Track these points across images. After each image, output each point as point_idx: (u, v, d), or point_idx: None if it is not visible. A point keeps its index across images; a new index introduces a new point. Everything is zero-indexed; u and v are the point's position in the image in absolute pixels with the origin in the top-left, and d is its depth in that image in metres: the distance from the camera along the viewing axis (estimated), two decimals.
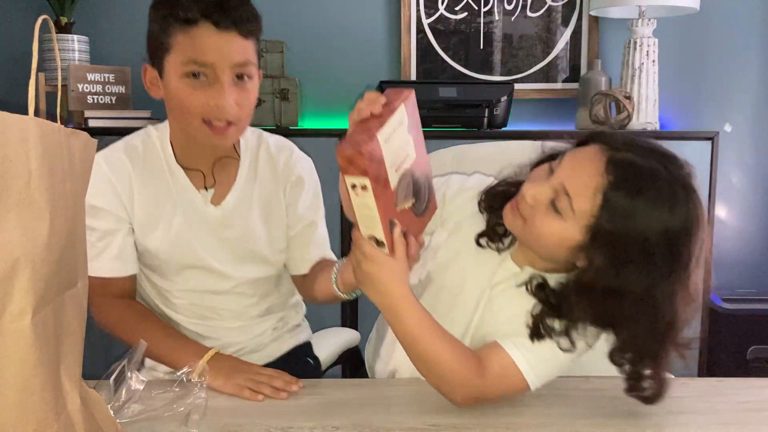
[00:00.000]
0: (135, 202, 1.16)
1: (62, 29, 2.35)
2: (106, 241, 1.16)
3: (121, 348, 1.10)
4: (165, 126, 1.19)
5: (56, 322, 0.69)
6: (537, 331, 0.96)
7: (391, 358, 1.17)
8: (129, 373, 0.99)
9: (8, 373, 0.62)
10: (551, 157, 1.00)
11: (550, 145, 1.03)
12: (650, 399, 0.95)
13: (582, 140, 0.97)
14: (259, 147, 1.25)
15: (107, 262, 1.17)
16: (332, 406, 1.02)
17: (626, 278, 0.88)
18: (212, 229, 1.19)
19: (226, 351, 1.19)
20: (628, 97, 2.23)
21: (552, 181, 0.93)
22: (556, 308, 0.96)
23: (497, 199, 1.05)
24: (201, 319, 1.25)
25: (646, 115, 2.28)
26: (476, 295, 1.05)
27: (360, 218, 0.87)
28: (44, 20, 0.67)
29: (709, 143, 2.17)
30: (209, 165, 1.18)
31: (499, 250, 1.05)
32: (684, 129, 2.52)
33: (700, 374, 2.21)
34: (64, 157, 0.69)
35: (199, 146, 1.16)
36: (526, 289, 1.00)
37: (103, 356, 2.12)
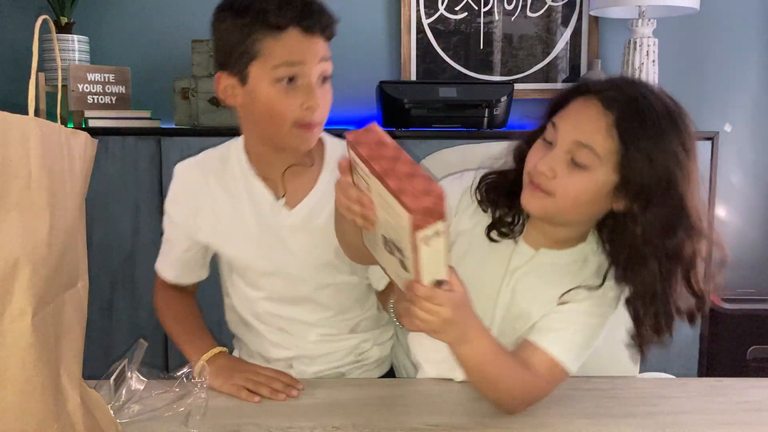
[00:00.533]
0: (206, 214, 1.18)
1: (62, 29, 2.35)
2: (169, 246, 1.25)
3: (121, 348, 1.10)
4: (240, 138, 1.20)
5: (56, 322, 0.69)
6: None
7: (417, 353, 1.19)
8: (129, 373, 0.99)
9: (8, 373, 0.62)
10: (534, 134, 1.01)
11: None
12: (663, 341, 1.00)
13: (562, 100, 0.99)
14: (344, 154, 1.23)
15: (165, 264, 1.26)
16: (332, 406, 1.02)
17: (663, 204, 0.92)
18: (287, 235, 1.17)
19: (303, 369, 1.22)
20: None
21: (561, 143, 0.95)
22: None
23: (497, 190, 1.05)
24: (279, 330, 1.24)
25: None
26: (496, 285, 1.06)
27: (426, 268, 0.80)
28: (44, 20, 0.67)
29: (709, 143, 2.17)
30: (280, 173, 1.17)
31: (512, 238, 1.06)
32: None
33: (700, 374, 2.21)
34: (64, 157, 0.69)
35: (273, 155, 1.16)
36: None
37: (103, 356, 2.12)
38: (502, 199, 1.05)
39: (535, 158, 0.98)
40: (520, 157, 1.04)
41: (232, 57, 1.07)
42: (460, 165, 1.32)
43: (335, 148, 1.21)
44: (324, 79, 1.10)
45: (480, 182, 1.08)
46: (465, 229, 1.10)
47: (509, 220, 1.05)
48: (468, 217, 1.10)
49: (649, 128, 0.92)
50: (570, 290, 1.03)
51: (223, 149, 1.22)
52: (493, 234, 1.06)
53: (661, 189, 0.92)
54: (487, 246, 1.07)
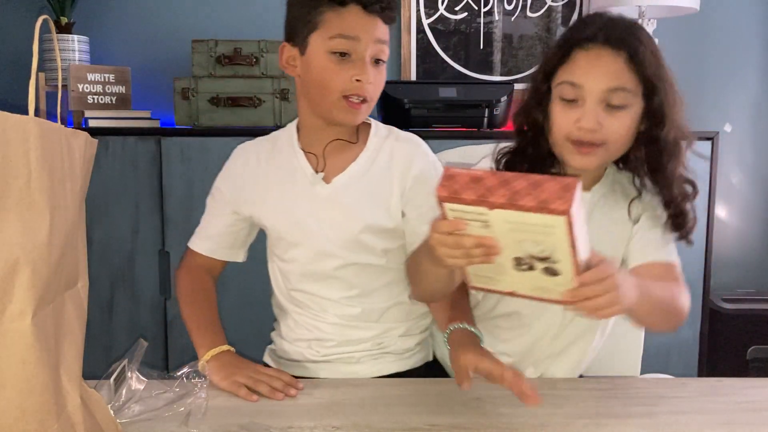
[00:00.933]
0: (252, 187, 1.25)
1: (62, 29, 2.35)
2: (210, 220, 1.30)
3: (121, 348, 1.10)
4: (296, 120, 1.28)
5: (56, 322, 0.69)
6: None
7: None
8: (129, 373, 1.00)
9: (8, 373, 0.62)
10: (536, 102, 1.09)
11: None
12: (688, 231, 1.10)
13: (558, 59, 1.06)
14: (387, 137, 1.25)
15: (201, 239, 1.30)
16: (332, 406, 1.02)
17: (670, 112, 1.05)
18: (319, 207, 1.21)
19: (317, 351, 1.25)
20: None
21: (591, 96, 1.02)
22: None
23: (518, 167, 1.11)
24: (302, 307, 1.26)
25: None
26: None
27: (582, 256, 0.83)
28: (44, 20, 0.67)
29: (709, 143, 2.17)
30: (322, 147, 1.22)
31: None
32: None
33: (700, 374, 2.21)
34: (64, 157, 0.69)
35: (321, 129, 1.20)
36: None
37: (103, 356, 2.12)
38: (530, 169, 1.09)
39: (567, 120, 1.04)
40: (535, 128, 1.10)
41: (297, 28, 1.15)
42: (461, 165, 1.32)
43: (380, 132, 1.25)
44: (377, 61, 1.15)
45: (498, 163, 1.13)
46: None
47: None
48: None
49: (647, 46, 1.04)
50: (629, 210, 1.11)
51: (278, 131, 1.29)
52: None
53: (664, 89, 1.04)
54: None
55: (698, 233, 2.15)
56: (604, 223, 1.11)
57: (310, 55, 1.14)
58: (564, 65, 1.05)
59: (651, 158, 1.08)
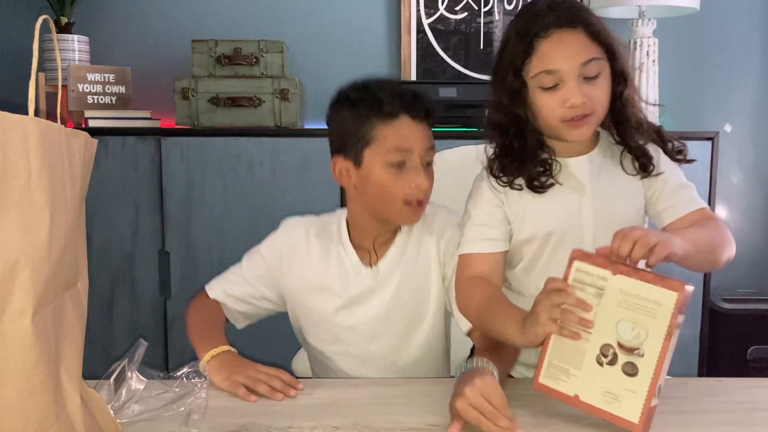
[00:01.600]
0: (299, 262, 1.27)
1: (62, 29, 2.35)
2: (238, 280, 1.30)
3: (121, 348, 1.10)
4: (343, 211, 1.31)
5: (56, 322, 0.69)
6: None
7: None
8: (129, 373, 1.00)
9: (8, 373, 0.62)
10: (510, 101, 1.13)
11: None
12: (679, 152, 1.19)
13: (525, 54, 1.10)
14: (423, 219, 1.29)
15: (221, 290, 1.30)
16: (332, 406, 1.02)
17: (627, 68, 1.13)
18: (370, 296, 1.25)
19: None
20: None
21: (569, 76, 1.08)
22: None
23: (512, 163, 1.16)
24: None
25: (646, 115, 2.28)
26: (591, 200, 1.16)
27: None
28: (44, 20, 0.67)
29: (709, 143, 2.17)
30: (372, 241, 1.26)
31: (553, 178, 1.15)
32: (684, 129, 2.52)
33: (700, 374, 2.21)
34: (64, 157, 0.69)
35: (376, 227, 1.25)
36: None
37: (103, 356, 2.12)
38: (523, 163, 1.15)
39: (555, 104, 1.09)
40: (518, 123, 1.14)
41: (348, 143, 1.19)
42: (459, 165, 1.33)
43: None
44: (427, 164, 1.21)
45: (493, 172, 1.17)
46: (522, 207, 1.17)
47: (542, 169, 1.15)
48: (515, 200, 1.18)
49: (592, 16, 1.11)
50: (621, 164, 1.17)
51: (327, 216, 1.33)
52: (539, 182, 1.15)
53: (619, 49, 1.12)
54: (556, 193, 1.15)
55: None
56: (616, 180, 1.17)
57: (367, 169, 1.18)
58: (531, 57, 1.09)
59: (616, 113, 1.16)
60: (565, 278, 0.95)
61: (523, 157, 1.15)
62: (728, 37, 2.56)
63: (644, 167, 1.16)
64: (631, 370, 0.90)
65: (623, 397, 0.90)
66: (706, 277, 2.19)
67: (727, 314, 2.31)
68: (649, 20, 2.28)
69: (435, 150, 1.22)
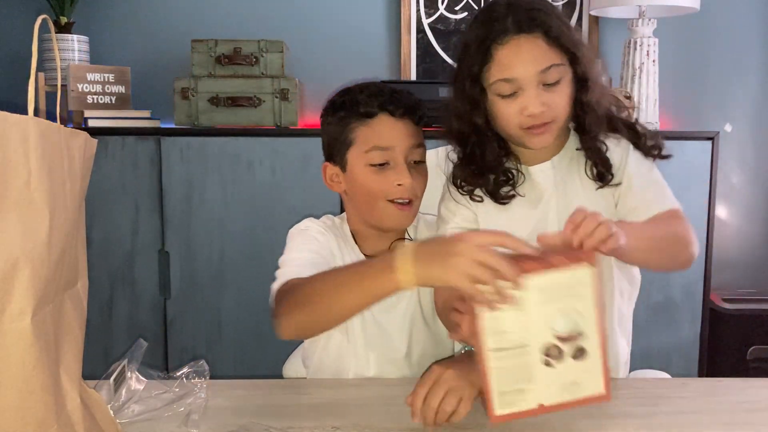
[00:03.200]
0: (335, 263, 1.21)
1: (62, 29, 2.35)
2: (302, 255, 1.16)
3: (121, 348, 1.10)
4: (343, 217, 1.28)
5: (56, 322, 0.69)
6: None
7: None
8: (129, 373, 1.00)
9: (8, 373, 0.62)
10: (471, 107, 1.10)
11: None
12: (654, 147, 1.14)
13: (483, 60, 1.07)
14: (418, 222, 1.29)
15: (296, 267, 1.12)
16: (332, 406, 1.02)
17: (591, 73, 1.10)
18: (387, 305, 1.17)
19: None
20: (629, 97, 2.23)
21: (528, 83, 1.05)
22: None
23: (474, 173, 1.14)
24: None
25: (646, 115, 2.28)
26: (555, 210, 1.14)
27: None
28: (44, 20, 0.67)
29: (709, 143, 2.17)
30: (386, 250, 1.22)
31: (516, 188, 1.14)
32: (684, 129, 2.52)
33: (700, 374, 2.21)
34: (64, 157, 0.69)
35: (377, 236, 1.23)
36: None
37: (103, 356, 2.12)
38: (483, 173, 1.14)
39: (513, 112, 1.06)
40: (478, 131, 1.12)
41: (335, 148, 1.19)
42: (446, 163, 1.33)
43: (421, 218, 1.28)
44: (415, 162, 1.18)
45: (456, 181, 1.16)
46: (487, 216, 1.16)
47: (504, 178, 1.14)
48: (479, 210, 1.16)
49: (554, 17, 1.06)
50: (585, 171, 1.14)
51: (336, 220, 1.27)
52: (504, 192, 1.14)
53: (582, 53, 1.08)
54: (517, 206, 1.14)
55: (698, 233, 2.16)
56: (584, 184, 1.14)
57: (351, 171, 1.17)
58: (489, 65, 1.06)
59: (579, 118, 1.12)
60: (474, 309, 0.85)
61: (484, 167, 1.14)
62: (728, 37, 2.56)
63: (601, 176, 1.12)
64: (581, 355, 0.88)
65: (583, 379, 0.89)
66: (706, 277, 2.19)
67: (727, 314, 2.31)
68: (649, 20, 2.28)
69: (425, 148, 1.20)
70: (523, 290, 0.83)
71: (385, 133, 1.15)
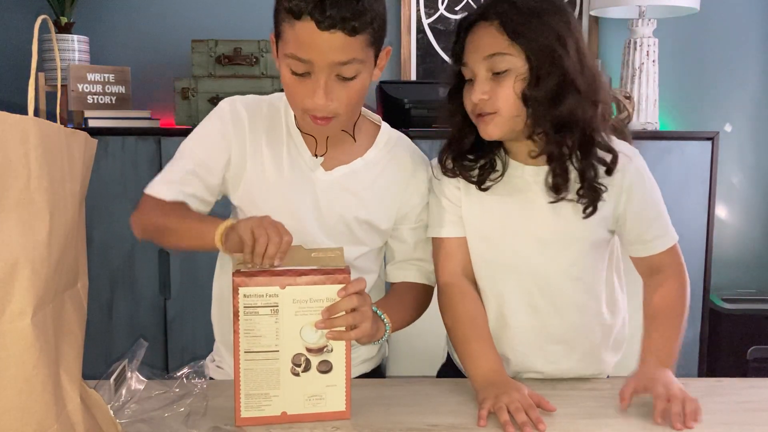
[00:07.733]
0: (251, 150, 1.16)
1: (62, 29, 2.35)
2: (182, 163, 1.18)
3: (121, 348, 1.09)
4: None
5: (56, 322, 0.69)
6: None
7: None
8: (129, 373, 0.99)
9: (8, 373, 0.62)
10: (454, 89, 1.12)
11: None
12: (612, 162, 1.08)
13: (458, 47, 1.09)
14: (399, 146, 1.24)
15: (164, 183, 1.21)
16: None
17: (563, 53, 1.02)
18: (316, 192, 1.16)
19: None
20: (629, 97, 2.23)
21: (477, 69, 1.05)
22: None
23: (463, 153, 1.14)
24: None
25: (646, 115, 2.28)
26: (541, 213, 1.12)
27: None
28: (44, 20, 0.67)
29: (709, 143, 2.17)
30: (322, 135, 1.16)
31: (501, 175, 1.13)
32: (684, 129, 2.52)
33: (700, 374, 2.21)
34: (64, 157, 0.69)
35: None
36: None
37: (103, 356, 2.12)
38: (474, 155, 1.14)
39: (467, 98, 1.08)
40: (461, 113, 1.12)
41: (275, 27, 1.07)
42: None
43: (391, 139, 1.23)
44: (344, 78, 1.04)
45: (443, 159, 1.16)
46: (469, 205, 1.15)
47: (491, 166, 1.13)
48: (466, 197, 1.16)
49: (525, 16, 1.02)
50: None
51: (274, 98, 1.21)
52: (488, 184, 1.13)
53: (547, 64, 1.02)
54: (505, 194, 1.13)
55: (698, 233, 2.17)
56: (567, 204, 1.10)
57: (279, 62, 1.08)
58: (463, 51, 1.08)
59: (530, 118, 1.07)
60: (236, 310, 0.92)
61: (474, 146, 1.13)
62: (728, 37, 2.56)
63: (556, 188, 1.08)
64: (325, 368, 0.94)
65: (326, 394, 0.94)
66: (706, 277, 2.19)
67: (727, 314, 2.31)
68: (649, 20, 2.28)
69: (361, 63, 1.03)
70: (281, 302, 0.91)
71: (306, 44, 1.00)
